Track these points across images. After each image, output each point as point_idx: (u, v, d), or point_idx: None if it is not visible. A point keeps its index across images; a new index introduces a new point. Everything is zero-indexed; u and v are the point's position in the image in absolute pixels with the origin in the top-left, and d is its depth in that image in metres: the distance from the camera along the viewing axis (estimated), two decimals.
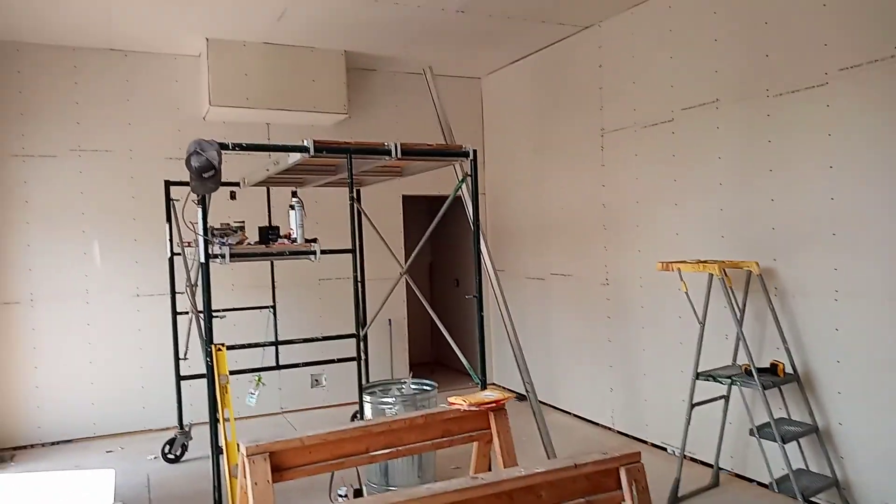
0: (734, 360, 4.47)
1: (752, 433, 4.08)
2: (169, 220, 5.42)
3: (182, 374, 5.47)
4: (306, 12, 5.37)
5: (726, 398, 4.50)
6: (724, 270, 4.14)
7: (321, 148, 3.81)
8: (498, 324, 7.52)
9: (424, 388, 4.85)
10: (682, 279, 4.36)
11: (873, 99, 3.75)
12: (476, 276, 4.34)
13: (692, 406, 4.29)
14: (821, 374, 4.08)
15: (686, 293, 4.38)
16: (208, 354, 3.75)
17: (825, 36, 3.97)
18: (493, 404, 3.36)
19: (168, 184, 5.43)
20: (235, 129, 6.58)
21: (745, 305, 4.42)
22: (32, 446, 5.89)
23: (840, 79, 3.90)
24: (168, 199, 5.38)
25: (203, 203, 3.74)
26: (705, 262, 4.30)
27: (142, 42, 6.03)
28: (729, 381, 4.13)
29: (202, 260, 3.76)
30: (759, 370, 4.09)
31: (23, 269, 5.91)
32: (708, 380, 4.22)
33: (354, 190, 4.38)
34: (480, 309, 4.30)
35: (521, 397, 6.42)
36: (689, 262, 4.33)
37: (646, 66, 5.32)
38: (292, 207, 4.29)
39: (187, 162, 3.60)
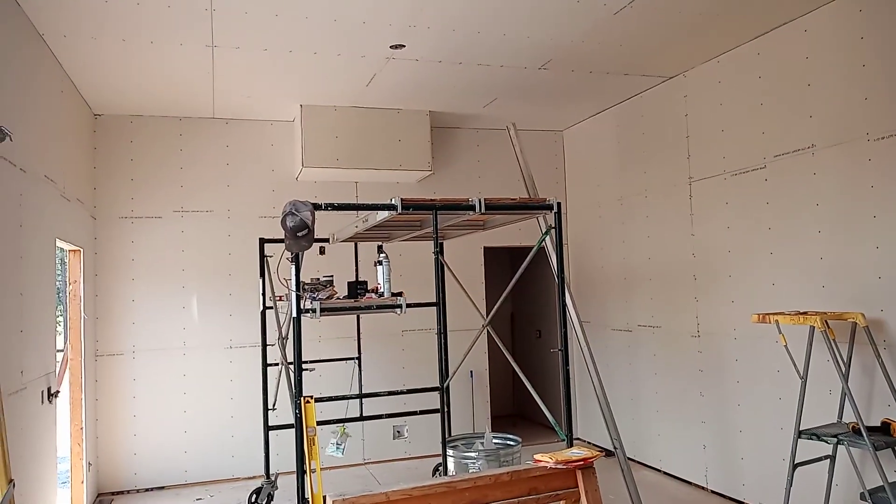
0: (840, 417, 4.19)
1: (863, 497, 3.79)
2: (262, 275, 5.67)
3: (270, 424, 5.63)
4: (394, 77, 5.62)
5: (832, 458, 4.21)
6: (827, 322, 3.93)
7: (408, 206, 3.93)
8: (582, 376, 7.36)
9: (508, 442, 4.78)
10: (780, 332, 4.17)
11: None
12: (561, 330, 4.29)
13: (794, 466, 4.04)
14: None
15: (785, 346, 4.18)
16: (297, 407, 3.86)
17: None
18: (581, 462, 3.28)
19: (262, 241, 5.71)
20: (325, 188, 6.88)
21: (850, 359, 4.17)
22: (129, 492, 6.17)
23: None
24: (262, 256, 5.65)
25: (296, 260, 3.91)
26: (805, 313, 4.10)
27: (241, 110, 6.46)
28: (835, 440, 3.87)
29: (294, 315, 3.91)
30: (869, 429, 3.82)
31: (127, 323, 6.30)
32: (811, 438, 3.97)
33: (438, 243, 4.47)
34: (566, 363, 4.24)
35: (608, 453, 6.22)
36: (788, 314, 4.14)
37: (735, 113, 5.23)
38: (379, 263, 4.42)
39: (283, 222, 3.80)
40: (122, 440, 6.21)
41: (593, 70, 5.64)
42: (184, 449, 6.35)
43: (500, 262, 9.05)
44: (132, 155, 6.45)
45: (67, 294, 5.71)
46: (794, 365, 4.15)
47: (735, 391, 5.24)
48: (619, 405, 6.65)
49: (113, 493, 6.11)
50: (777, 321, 4.15)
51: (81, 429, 5.57)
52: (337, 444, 5.21)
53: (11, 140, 3.55)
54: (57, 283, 5.28)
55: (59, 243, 5.08)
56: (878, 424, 3.92)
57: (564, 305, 4.38)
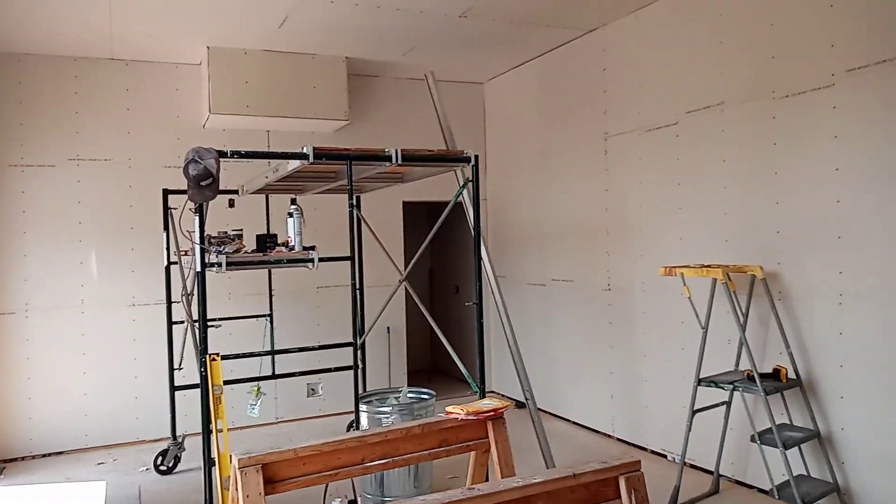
0: (737, 365, 4.40)
1: (753, 439, 4.01)
2: (166, 228, 5.39)
3: (176, 384, 5.43)
4: (307, 20, 5.35)
5: (728, 404, 4.43)
6: (728, 275, 4.08)
7: (321, 155, 3.77)
8: (498, 330, 7.45)
9: (422, 396, 4.80)
10: (685, 284, 4.31)
11: (880, 100, 3.70)
12: (476, 283, 4.29)
13: (693, 412, 4.23)
14: (823, 379, 4.02)
15: (689, 298, 4.32)
16: (202, 365, 3.71)
17: (832, 37, 3.93)
18: (492, 413, 3.31)
19: (166, 192, 5.41)
20: (235, 137, 6.56)
21: (748, 310, 4.36)
22: (24, 458, 5.83)
23: (847, 80, 3.86)
24: (166, 208, 5.35)
25: (200, 212, 3.71)
26: (709, 266, 4.24)
27: (143, 51, 6.01)
28: (731, 386, 4.07)
29: (198, 269, 3.72)
30: (762, 375, 4.03)
31: (18, 279, 5.88)
32: (710, 386, 4.16)
33: (354, 196, 4.34)
34: (480, 316, 4.25)
35: (520, 405, 6.37)
36: (693, 267, 4.27)
37: (650, 69, 5.28)
38: (290, 215, 4.26)
39: (185, 170, 3.57)
40: (15, 404, 5.84)
41: (514, 20, 5.55)
42: (84, 412, 6.05)
43: (419, 216, 8.98)
44: (21, 97, 5.92)
45: None
46: (697, 316, 4.30)
47: (642, 343, 5.42)
48: (533, 358, 6.79)
49: (5, 461, 5.77)
50: (682, 274, 4.28)
51: None
52: (251, 403, 5.09)
53: None
54: None
55: None
56: (770, 371, 4.14)
57: (480, 260, 4.37)
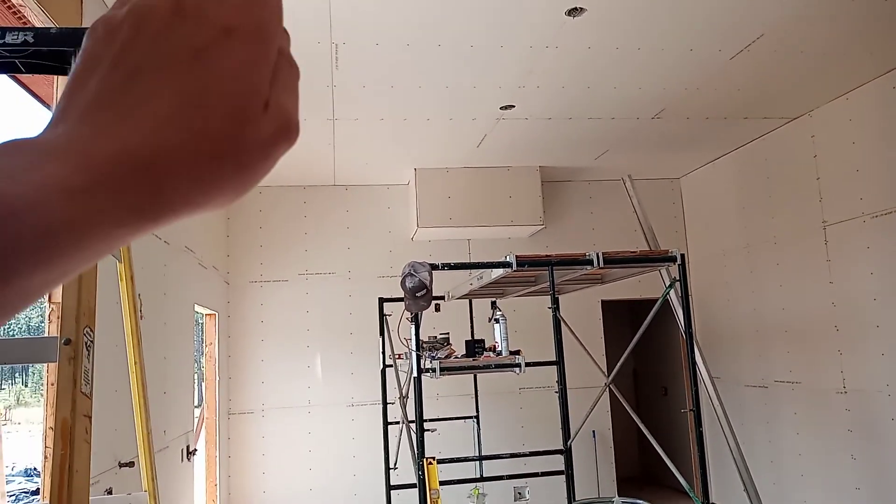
0: None
1: None
2: (382, 333, 5.80)
3: (392, 483, 5.65)
4: (504, 137, 5.71)
5: None
6: None
7: (523, 262, 3.92)
8: (714, 436, 6.89)
9: None
10: None
11: None
12: (692, 389, 4.07)
13: None
14: None
15: None
16: (420, 468, 3.86)
17: None
18: None
19: (381, 300, 5.86)
20: (439, 247, 7.01)
21: None
22: None
23: None
24: (381, 315, 5.79)
25: (416, 321, 3.98)
26: None
27: (360, 176, 6.77)
28: None
29: (415, 374, 3.95)
30: None
31: (256, 382, 6.60)
32: None
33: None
34: (699, 424, 4.00)
35: None
36: None
37: (871, 151, 4.88)
38: (497, 321, 4.41)
39: (402, 283, 3.89)
40: (252, 497, 6.42)
41: (710, 116, 5.47)
42: None
43: (618, 315, 8.77)
44: (261, 223, 6.87)
45: (204, 355, 6.09)
46: None
47: (894, 455, 4.71)
48: (757, 468, 6.14)
49: None
50: None
51: (216, 485, 5.83)
52: None
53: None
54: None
55: (197, 308, 5.44)
56: None
57: (694, 363, 4.16)
